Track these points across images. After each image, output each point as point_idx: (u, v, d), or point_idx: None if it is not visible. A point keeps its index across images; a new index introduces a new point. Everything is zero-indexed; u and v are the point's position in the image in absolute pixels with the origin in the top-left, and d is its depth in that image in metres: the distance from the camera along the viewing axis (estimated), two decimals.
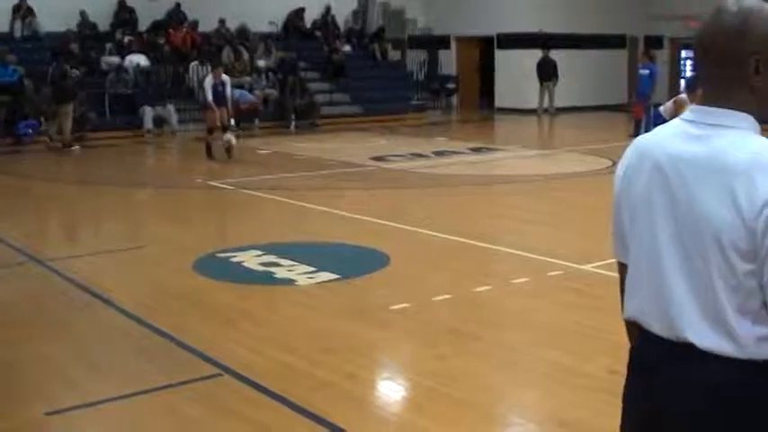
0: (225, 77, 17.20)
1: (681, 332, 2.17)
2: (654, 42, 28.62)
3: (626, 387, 2.38)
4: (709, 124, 2.17)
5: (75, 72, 20.33)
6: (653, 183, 2.23)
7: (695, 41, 2.24)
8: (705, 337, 2.13)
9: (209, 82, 16.86)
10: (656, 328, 2.24)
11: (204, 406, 5.20)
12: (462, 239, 9.54)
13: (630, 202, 2.30)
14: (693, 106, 2.25)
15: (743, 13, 2.15)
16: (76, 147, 18.66)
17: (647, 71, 20.00)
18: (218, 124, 16.63)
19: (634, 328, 2.37)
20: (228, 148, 16.50)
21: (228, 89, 17.09)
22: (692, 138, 2.18)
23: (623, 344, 2.48)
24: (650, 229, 2.24)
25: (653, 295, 2.24)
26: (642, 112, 19.25)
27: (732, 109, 2.16)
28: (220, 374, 5.62)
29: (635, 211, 2.28)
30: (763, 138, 2.13)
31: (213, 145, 16.72)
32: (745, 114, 2.16)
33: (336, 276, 7.99)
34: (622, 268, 2.41)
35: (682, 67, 30.36)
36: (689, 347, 2.15)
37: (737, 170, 2.06)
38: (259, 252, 8.93)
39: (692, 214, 2.13)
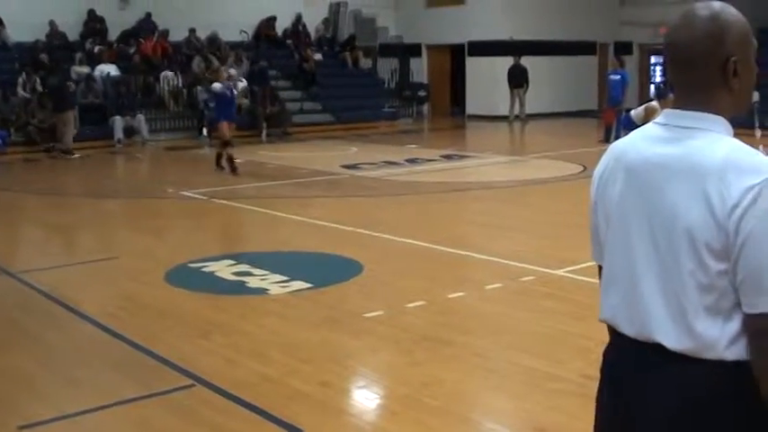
0: (232, 81, 16.36)
1: (652, 334, 2.18)
2: (623, 48, 28.85)
3: (599, 391, 2.39)
4: (684, 127, 2.19)
5: (72, 85, 20.42)
6: (627, 185, 2.25)
7: (666, 47, 2.24)
8: (676, 339, 2.14)
9: (218, 87, 15.89)
10: (628, 329, 2.25)
11: (178, 417, 5.16)
12: (435, 246, 9.55)
13: (606, 206, 2.32)
14: (667, 110, 2.26)
15: (715, 17, 2.17)
16: (77, 155, 18.81)
17: (618, 77, 20.15)
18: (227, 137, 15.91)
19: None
20: (232, 162, 15.72)
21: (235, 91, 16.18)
22: (666, 140, 2.20)
23: (596, 348, 2.49)
24: (624, 231, 2.26)
25: (625, 297, 2.26)
26: (613, 118, 19.38)
27: (706, 112, 2.18)
28: (194, 385, 5.59)
29: (610, 215, 2.31)
30: (736, 140, 2.15)
31: (224, 157, 16.00)
32: (719, 117, 2.18)
33: (309, 285, 7.98)
34: (601, 271, 2.43)
35: (651, 73, 30.65)
36: (660, 349, 2.16)
37: (711, 171, 2.07)
38: (231, 262, 8.90)
39: (665, 215, 2.15)
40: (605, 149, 2.43)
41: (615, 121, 19.13)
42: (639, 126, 2.35)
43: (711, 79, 2.18)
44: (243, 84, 16.31)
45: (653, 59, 30.43)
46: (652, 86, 28.80)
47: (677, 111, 2.22)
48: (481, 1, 27.40)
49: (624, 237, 2.25)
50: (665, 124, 2.23)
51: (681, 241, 2.11)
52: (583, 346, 5.99)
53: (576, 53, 28.84)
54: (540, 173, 15.99)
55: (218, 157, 16.19)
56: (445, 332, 6.65)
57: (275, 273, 8.40)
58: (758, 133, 15.83)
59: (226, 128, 15.97)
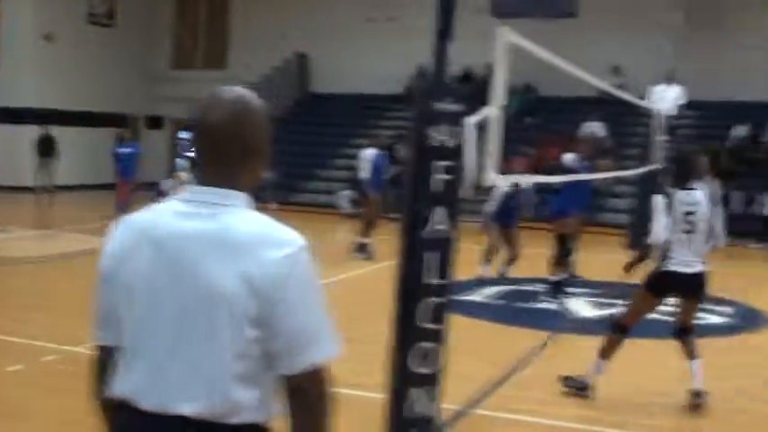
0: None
1: (176, 406, 2.26)
2: (154, 122, 29.37)
3: None
4: (210, 203, 2.32)
5: None
6: (154, 261, 2.30)
7: (195, 126, 2.36)
8: (203, 407, 2.25)
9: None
10: (150, 405, 2.29)
11: None
12: None
13: (126, 282, 2.34)
14: (192, 186, 2.39)
15: (240, 100, 2.35)
16: None
17: (129, 150, 20.34)
18: None
19: (112, 410, 2.41)
20: None
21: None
22: (193, 216, 2.31)
23: None
24: (151, 307, 2.30)
25: (150, 373, 2.30)
26: (126, 192, 19.39)
27: (230, 188, 2.34)
28: None
29: (132, 291, 2.33)
30: (261, 214, 2.34)
31: None
32: (240, 193, 2.35)
33: None
34: (103, 351, 2.50)
35: (181, 147, 31.44)
36: (182, 420, 2.25)
37: (247, 244, 2.24)
38: None
39: (199, 288, 2.25)
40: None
41: (130, 195, 19.07)
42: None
43: (235, 158, 2.35)
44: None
45: (183, 134, 31.23)
46: (178, 159, 29.47)
47: (202, 187, 2.36)
48: (8, 66, 26.46)
49: (152, 312, 2.30)
50: (189, 200, 2.35)
51: (217, 313, 2.23)
52: None
53: (108, 125, 28.70)
54: (67, 246, 15.64)
55: None
56: None
57: None
58: (274, 206, 16.98)
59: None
